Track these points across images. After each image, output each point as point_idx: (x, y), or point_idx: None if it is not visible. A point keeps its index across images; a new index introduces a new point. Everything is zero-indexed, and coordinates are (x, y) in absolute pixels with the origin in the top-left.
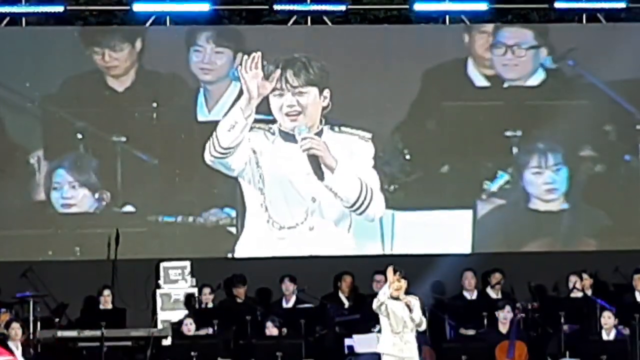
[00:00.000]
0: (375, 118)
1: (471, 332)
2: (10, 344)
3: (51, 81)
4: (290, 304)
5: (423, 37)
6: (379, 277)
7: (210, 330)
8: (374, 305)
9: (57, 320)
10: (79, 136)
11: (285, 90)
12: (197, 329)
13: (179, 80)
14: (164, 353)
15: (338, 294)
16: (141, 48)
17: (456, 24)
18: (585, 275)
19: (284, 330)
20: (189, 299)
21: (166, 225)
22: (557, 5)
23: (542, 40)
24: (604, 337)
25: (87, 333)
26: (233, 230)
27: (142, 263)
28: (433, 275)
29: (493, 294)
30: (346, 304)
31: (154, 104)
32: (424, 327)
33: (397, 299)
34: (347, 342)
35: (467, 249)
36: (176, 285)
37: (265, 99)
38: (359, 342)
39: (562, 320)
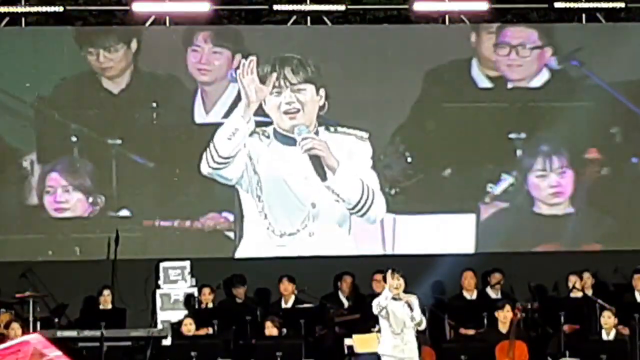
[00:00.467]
0: (375, 120)
1: (471, 332)
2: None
3: (45, 82)
4: (289, 304)
5: (424, 37)
6: (377, 276)
7: (210, 331)
8: (375, 311)
9: (57, 320)
10: (74, 139)
11: (283, 87)
12: (197, 329)
13: (175, 81)
14: (164, 353)
15: (338, 294)
16: (137, 49)
17: (460, 24)
18: (587, 274)
19: (284, 330)
20: (188, 299)
21: (163, 230)
22: (557, 5)
23: (547, 40)
24: (604, 337)
25: (87, 333)
26: (231, 234)
27: (142, 263)
28: (433, 275)
29: (493, 294)
30: (346, 304)
31: (150, 106)
32: (424, 326)
33: (396, 299)
34: (347, 342)
35: (469, 253)
36: (176, 285)
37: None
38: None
39: (562, 320)
